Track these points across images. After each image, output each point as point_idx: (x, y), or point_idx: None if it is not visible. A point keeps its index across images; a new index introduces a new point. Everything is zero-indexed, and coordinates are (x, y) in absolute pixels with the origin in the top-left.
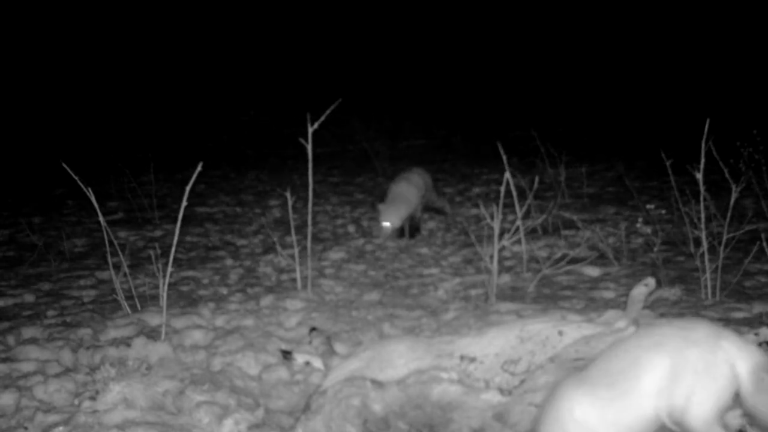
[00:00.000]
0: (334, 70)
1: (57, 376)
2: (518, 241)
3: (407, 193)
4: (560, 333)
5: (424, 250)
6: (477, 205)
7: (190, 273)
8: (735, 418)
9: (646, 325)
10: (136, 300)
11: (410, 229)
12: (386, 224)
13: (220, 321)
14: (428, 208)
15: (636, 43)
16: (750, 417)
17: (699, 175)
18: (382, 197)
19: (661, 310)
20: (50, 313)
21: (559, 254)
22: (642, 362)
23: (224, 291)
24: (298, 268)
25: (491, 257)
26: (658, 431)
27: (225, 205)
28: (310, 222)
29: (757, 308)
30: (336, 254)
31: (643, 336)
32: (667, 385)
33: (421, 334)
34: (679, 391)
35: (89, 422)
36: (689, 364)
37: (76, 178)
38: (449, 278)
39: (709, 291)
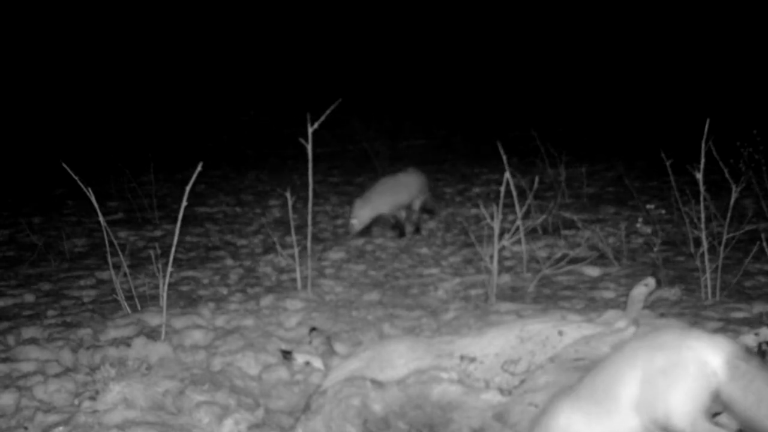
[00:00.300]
0: (334, 70)
1: (57, 376)
2: (518, 241)
3: (382, 192)
4: (560, 333)
5: (424, 250)
6: (477, 205)
7: (190, 273)
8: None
9: (645, 326)
10: (136, 300)
11: (402, 226)
12: (353, 221)
13: (220, 321)
14: (423, 209)
15: (636, 43)
16: (727, 410)
17: (699, 175)
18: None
19: (661, 310)
20: (50, 313)
21: (559, 254)
22: (618, 378)
23: (224, 291)
24: (298, 268)
25: (491, 257)
26: None
27: (225, 205)
28: (310, 222)
29: (757, 308)
30: (336, 254)
31: (621, 350)
32: (643, 397)
33: (421, 334)
34: (655, 399)
35: (89, 422)
36: (657, 370)
37: (76, 178)
38: (449, 278)
39: (709, 291)
